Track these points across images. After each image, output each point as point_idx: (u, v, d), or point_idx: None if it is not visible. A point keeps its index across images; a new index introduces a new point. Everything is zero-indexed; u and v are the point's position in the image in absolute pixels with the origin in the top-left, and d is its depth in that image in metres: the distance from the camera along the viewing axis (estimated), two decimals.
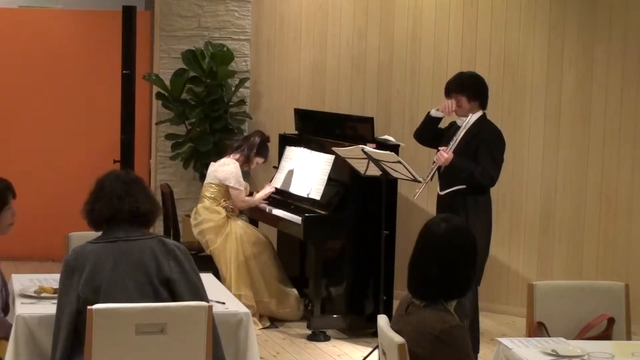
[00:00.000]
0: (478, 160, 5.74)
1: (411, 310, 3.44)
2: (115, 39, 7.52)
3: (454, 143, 5.80)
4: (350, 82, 7.94)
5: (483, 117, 5.87)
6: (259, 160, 7.07)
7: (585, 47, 7.06)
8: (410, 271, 3.47)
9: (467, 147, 5.78)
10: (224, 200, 6.90)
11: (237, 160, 6.95)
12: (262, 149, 7.04)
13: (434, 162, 5.81)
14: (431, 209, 5.93)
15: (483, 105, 5.90)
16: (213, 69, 8.12)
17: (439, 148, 5.84)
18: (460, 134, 5.82)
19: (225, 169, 6.89)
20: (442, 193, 5.86)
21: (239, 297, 6.49)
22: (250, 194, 7.25)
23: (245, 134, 8.26)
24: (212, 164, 7.04)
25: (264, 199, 7.07)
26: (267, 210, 6.98)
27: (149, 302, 3.84)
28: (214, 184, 6.92)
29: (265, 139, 7.08)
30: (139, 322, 3.77)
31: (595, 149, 7.06)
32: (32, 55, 8.80)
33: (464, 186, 5.75)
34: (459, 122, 5.89)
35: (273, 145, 7.93)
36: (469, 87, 5.88)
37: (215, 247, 6.82)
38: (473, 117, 5.83)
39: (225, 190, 6.90)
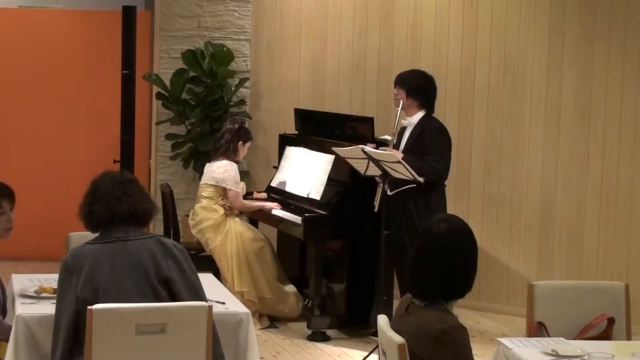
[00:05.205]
0: (425, 157, 5.95)
1: (411, 310, 3.44)
2: (115, 39, 7.51)
3: (402, 145, 6.09)
4: (350, 82, 7.94)
5: (426, 116, 6.13)
6: (246, 145, 7.01)
7: (585, 47, 7.06)
8: (410, 271, 3.48)
9: (413, 147, 6.02)
10: (222, 199, 6.90)
11: (231, 160, 6.92)
12: (242, 133, 6.98)
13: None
14: None
15: (425, 105, 6.13)
16: (213, 69, 8.11)
17: (390, 150, 5.97)
18: (406, 135, 6.10)
19: (222, 171, 6.86)
20: (391, 193, 5.94)
21: (241, 294, 6.50)
22: (250, 194, 7.26)
23: None
24: (207, 164, 7.02)
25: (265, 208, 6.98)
26: (267, 210, 6.97)
27: (148, 301, 3.84)
28: (210, 185, 6.91)
29: (240, 124, 7.02)
30: (139, 322, 3.77)
31: (595, 149, 7.06)
32: (32, 55, 8.80)
33: (413, 185, 5.81)
34: (404, 123, 6.14)
35: (273, 145, 7.94)
36: (409, 83, 6.14)
37: (215, 245, 6.80)
38: (416, 118, 6.11)
39: (222, 190, 6.88)
